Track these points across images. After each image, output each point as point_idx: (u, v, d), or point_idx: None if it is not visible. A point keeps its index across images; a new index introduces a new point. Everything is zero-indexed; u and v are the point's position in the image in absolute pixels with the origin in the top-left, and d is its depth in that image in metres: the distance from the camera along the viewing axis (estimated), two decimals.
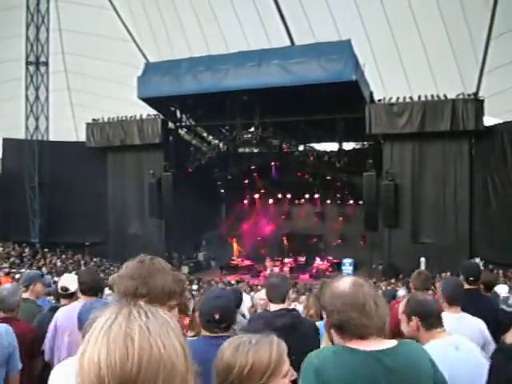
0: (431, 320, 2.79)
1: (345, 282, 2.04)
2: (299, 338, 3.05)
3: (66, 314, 3.78)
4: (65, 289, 4.44)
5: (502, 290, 5.98)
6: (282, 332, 3.10)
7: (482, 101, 21.13)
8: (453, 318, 3.55)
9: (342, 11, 23.50)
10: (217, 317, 2.71)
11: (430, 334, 2.78)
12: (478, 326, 3.55)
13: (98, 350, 0.90)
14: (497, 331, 3.67)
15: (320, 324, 4.70)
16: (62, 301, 4.51)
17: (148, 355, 0.89)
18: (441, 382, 1.99)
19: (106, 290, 5.64)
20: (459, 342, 2.74)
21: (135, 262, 2.04)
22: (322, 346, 2.99)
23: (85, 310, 2.92)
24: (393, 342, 1.96)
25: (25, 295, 4.65)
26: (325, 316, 2.09)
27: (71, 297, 4.32)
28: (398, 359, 1.90)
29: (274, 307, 3.53)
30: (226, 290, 2.91)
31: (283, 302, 3.52)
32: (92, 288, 3.91)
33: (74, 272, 17.48)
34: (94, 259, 24.88)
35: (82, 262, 24.06)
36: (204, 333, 2.82)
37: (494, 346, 3.49)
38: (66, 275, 5.06)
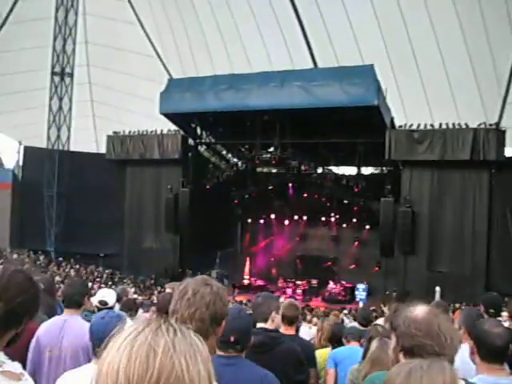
0: (488, 352, 2.69)
1: (421, 309, 2.05)
2: (273, 358, 3.09)
3: (46, 328, 3.68)
4: (104, 303, 4.43)
5: None
6: (255, 350, 3.09)
7: (504, 131, 21.00)
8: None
9: (366, 36, 23.63)
10: (232, 339, 2.67)
11: (483, 365, 2.71)
12: None
13: (120, 357, 0.88)
14: None
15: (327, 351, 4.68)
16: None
17: (168, 373, 0.86)
18: None
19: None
20: None
21: (194, 281, 2.05)
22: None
23: (98, 321, 2.90)
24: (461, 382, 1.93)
25: None
26: (394, 339, 2.09)
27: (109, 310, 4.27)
28: None
29: (257, 326, 3.50)
30: (242, 312, 2.89)
31: (265, 321, 3.50)
32: (76, 301, 3.87)
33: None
34: (107, 270, 24.92)
35: (96, 273, 24.11)
36: (218, 352, 2.72)
37: None
38: (104, 289, 5.07)
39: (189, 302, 1.97)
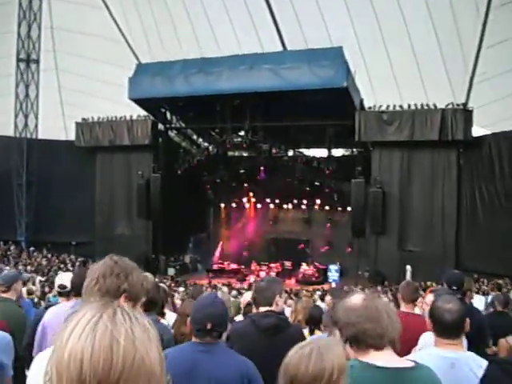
0: (441, 328, 2.77)
1: (357, 297, 2.11)
2: (284, 340, 3.03)
3: (54, 314, 3.73)
4: (62, 286, 4.41)
5: (479, 302, 6.02)
6: (267, 332, 3.11)
7: (471, 111, 21.28)
8: None
9: (335, 18, 23.59)
10: (209, 326, 2.68)
11: (439, 341, 2.78)
12: None
13: (82, 347, 0.89)
14: (479, 339, 3.70)
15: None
16: (60, 299, 4.48)
17: (131, 360, 0.89)
18: None
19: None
20: (460, 359, 2.67)
21: (109, 261, 2.04)
22: None
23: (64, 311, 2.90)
24: (410, 362, 2.01)
25: (4, 295, 4.62)
26: (337, 333, 2.13)
27: (69, 295, 4.23)
28: (411, 381, 1.95)
29: (260, 310, 3.56)
30: (217, 298, 2.89)
31: (270, 305, 3.54)
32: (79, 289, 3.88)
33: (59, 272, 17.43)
34: (80, 259, 24.72)
35: (68, 262, 23.91)
36: (194, 339, 2.79)
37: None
38: (62, 273, 5.03)
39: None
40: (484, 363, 2.64)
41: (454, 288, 4.62)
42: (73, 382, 0.88)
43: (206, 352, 2.69)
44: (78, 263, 23.79)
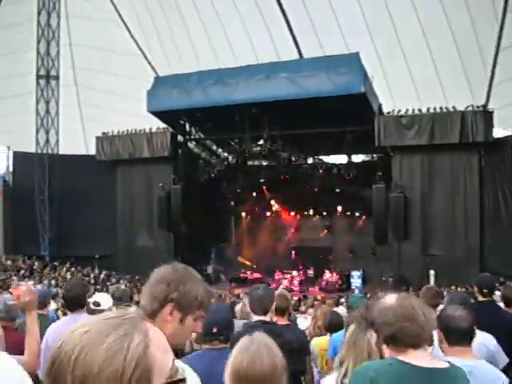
0: (453, 337, 2.78)
1: (391, 297, 2.15)
2: None
3: (56, 330, 3.74)
4: (97, 304, 4.42)
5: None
6: None
7: (492, 112, 21.08)
8: None
9: (351, 24, 23.64)
10: (214, 330, 2.83)
11: (452, 350, 2.77)
12: (481, 340, 3.49)
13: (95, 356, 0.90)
14: (511, 344, 3.64)
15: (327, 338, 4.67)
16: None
17: (63, 355, 0.89)
18: None
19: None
20: (477, 366, 2.66)
21: (168, 268, 2.01)
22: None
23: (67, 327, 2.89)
24: (444, 364, 2.03)
25: (40, 312, 4.66)
26: (374, 334, 2.16)
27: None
28: (449, 381, 1.98)
29: (255, 318, 3.56)
30: (221, 304, 3.00)
31: (265, 314, 3.53)
32: (76, 302, 3.88)
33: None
34: (104, 272, 24.86)
35: (92, 275, 24.04)
36: (205, 346, 2.92)
37: (504, 358, 3.46)
38: (99, 294, 5.07)
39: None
40: (498, 372, 2.65)
41: (485, 291, 4.56)
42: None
43: (221, 357, 2.65)
44: (102, 276, 23.94)
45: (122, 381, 0.88)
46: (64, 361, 0.89)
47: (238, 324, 3.81)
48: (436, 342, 2.91)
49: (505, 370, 2.98)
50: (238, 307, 6.27)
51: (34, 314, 2.81)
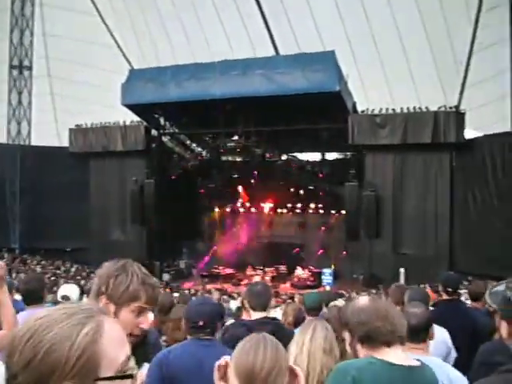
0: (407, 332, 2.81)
1: (363, 299, 2.24)
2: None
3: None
4: (66, 298, 4.40)
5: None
6: None
7: (464, 114, 21.37)
8: None
9: (327, 22, 23.71)
10: (201, 323, 2.87)
11: (407, 346, 2.81)
12: (441, 336, 3.58)
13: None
14: (474, 341, 3.73)
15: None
16: None
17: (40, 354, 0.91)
18: None
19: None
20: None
21: (109, 263, 2.03)
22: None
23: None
24: (416, 362, 2.08)
25: None
26: (347, 334, 2.19)
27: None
28: (422, 379, 2.04)
29: (255, 315, 3.57)
30: (209, 298, 3.01)
31: (265, 310, 3.57)
32: (33, 296, 3.86)
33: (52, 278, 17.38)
34: (75, 265, 24.66)
35: (63, 269, 23.84)
36: (189, 337, 2.98)
37: (455, 355, 3.56)
38: (66, 285, 5.02)
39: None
40: (451, 370, 2.70)
41: (450, 290, 4.65)
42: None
43: (208, 346, 2.85)
44: (73, 269, 23.76)
45: (65, 368, 0.91)
46: (15, 343, 0.93)
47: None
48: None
49: (464, 365, 3.02)
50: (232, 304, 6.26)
51: (5, 288, 2.81)
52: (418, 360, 2.10)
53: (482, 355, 2.84)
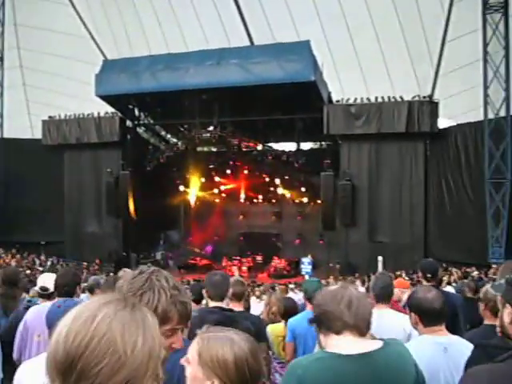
0: (428, 317, 2.85)
1: (335, 285, 2.20)
2: None
3: (37, 313, 3.72)
4: (44, 289, 4.37)
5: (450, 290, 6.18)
6: None
7: (437, 103, 21.63)
8: (376, 315, 3.68)
9: (301, 12, 23.67)
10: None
11: (426, 330, 2.86)
12: (400, 323, 3.67)
13: (67, 320, 0.96)
14: (454, 326, 3.81)
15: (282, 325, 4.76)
16: (40, 300, 4.44)
17: (100, 336, 0.91)
18: (422, 380, 2.08)
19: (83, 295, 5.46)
20: (451, 343, 2.79)
21: (131, 274, 1.78)
22: None
23: (54, 309, 2.89)
24: (378, 343, 2.02)
25: None
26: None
27: (50, 297, 4.22)
28: (382, 362, 1.95)
29: (211, 304, 3.60)
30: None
31: (222, 300, 3.59)
32: (68, 290, 3.85)
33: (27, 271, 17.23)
34: (50, 258, 24.44)
35: (38, 262, 23.61)
36: None
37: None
38: (45, 275, 4.97)
39: None
40: (471, 346, 2.75)
41: (429, 276, 4.74)
42: (52, 352, 0.94)
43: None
44: (48, 263, 23.54)
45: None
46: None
47: None
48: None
49: None
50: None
51: None
52: (381, 340, 2.06)
53: (479, 337, 2.90)
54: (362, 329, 2.03)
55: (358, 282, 15.89)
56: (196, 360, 1.61)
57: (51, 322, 2.72)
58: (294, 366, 2.02)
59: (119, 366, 0.91)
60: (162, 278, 1.75)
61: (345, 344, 1.98)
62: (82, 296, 5.10)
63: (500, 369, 1.54)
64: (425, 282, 4.75)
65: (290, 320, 4.58)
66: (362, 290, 8.94)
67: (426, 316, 2.84)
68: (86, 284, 6.28)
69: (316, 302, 2.15)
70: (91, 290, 5.43)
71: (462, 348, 2.73)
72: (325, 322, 2.05)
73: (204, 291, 3.81)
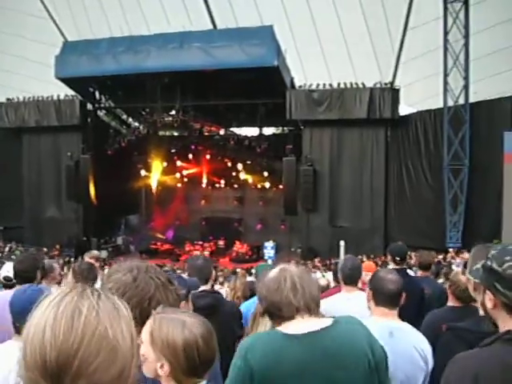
0: (381, 296, 2.86)
1: (274, 270, 2.12)
2: (220, 319, 3.12)
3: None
4: (8, 279, 4.30)
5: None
6: (203, 312, 3.21)
7: (398, 90, 21.89)
8: (345, 297, 3.76)
9: None
10: None
11: (377, 310, 2.88)
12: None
13: (46, 317, 0.90)
14: (421, 310, 3.90)
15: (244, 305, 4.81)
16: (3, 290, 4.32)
17: (92, 330, 0.90)
18: (379, 358, 2.01)
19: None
20: (399, 328, 2.80)
21: (128, 276, 1.70)
22: (250, 328, 3.07)
23: (19, 295, 2.81)
24: (328, 321, 2.01)
25: None
26: (258, 304, 2.17)
27: (12, 287, 4.12)
28: (328, 341, 1.94)
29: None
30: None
31: (206, 283, 3.61)
32: (28, 276, 3.79)
33: None
34: (9, 244, 24.03)
35: None
36: None
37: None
38: (8, 264, 4.88)
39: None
40: (420, 336, 2.80)
41: (398, 259, 4.83)
42: (36, 352, 0.89)
43: None
44: (7, 248, 23.16)
45: None
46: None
47: None
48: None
49: None
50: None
51: None
52: (331, 318, 2.05)
53: (445, 320, 2.95)
54: (311, 308, 2.03)
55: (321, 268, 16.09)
56: (148, 340, 1.61)
57: (18, 308, 2.65)
58: (241, 346, 2.02)
59: (113, 357, 0.91)
60: (159, 275, 1.75)
61: (294, 325, 1.98)
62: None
63: (487, 354, 1.53)
64: (393, 265, 4.84)
65: (245, 303, 4.63)
66: (329, 274, 9.03)
67: (378, 294, 2.87)
68: None
69: (260, 293, 2.11)
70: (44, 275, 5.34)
71: (408, 334, 2.79)
72: (275, 312, 2.04)
73: (186, 275, 3.82)
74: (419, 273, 5.56)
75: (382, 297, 2.87)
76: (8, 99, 25.84)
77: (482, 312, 1.94)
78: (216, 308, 3.46)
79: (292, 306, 1.99)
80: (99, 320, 0.91)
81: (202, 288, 3.59)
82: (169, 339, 1.60)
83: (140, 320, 1.56)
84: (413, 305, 3.82)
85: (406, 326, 2.86)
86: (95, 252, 6.29)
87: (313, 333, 1.95)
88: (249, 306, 4.50)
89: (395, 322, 2.85)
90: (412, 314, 3.48)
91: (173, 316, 1.66)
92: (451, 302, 3.47)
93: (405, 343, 2.71)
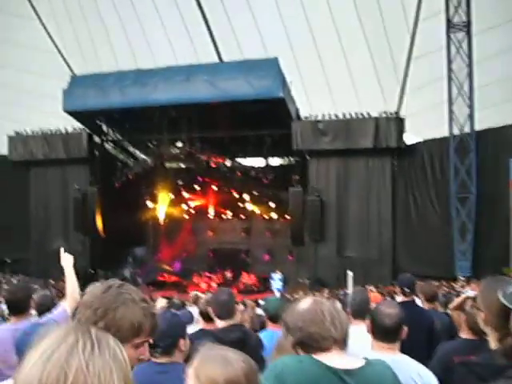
0: (377, 330, 2.87)
1: (305, 301, 2.16)
2: (248, 352, 3.08)
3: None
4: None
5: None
6: (234, 346, 3.16)
7: (403, 119, 21.96)
8: (354, 332, 3.70)
9: (270, 29, 23.87)
10: (151, 341, 2.64)
11: (376, 344, 2.88)
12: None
13: (33, 375, 0.87)
14: (430, 342, 3.85)
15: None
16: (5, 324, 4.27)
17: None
18: None
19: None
20: (393, 361, 2.63)
21: (99, 288, 1.74)
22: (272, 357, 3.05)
23: (23, 338, 2.75)
24: (361, 362, 2.03)
25: None
26: (287, 335, 2.16)
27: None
28: (364, 381, 1.96)
29: (222, 323, 3.59)
30: (163, 312, 2.87)
31: (231, 318, 3.59)
32: (21, 306, 3.76)
33: None
34: (16, 277, 23.96)
35: (4, 281, 23.14)
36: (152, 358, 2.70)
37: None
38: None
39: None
40: (420, 367, 2.76)
41: (407, 290, 4.78)
42: None
43: (163, 373, 2.62)
44: (14, 281, 23.07)
45: None
46: None
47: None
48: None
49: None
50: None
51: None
52: (365, 359, 2.07)
53: (458, 353, 2.91)
54: (345, 342, 2.07)
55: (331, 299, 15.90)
56: (192, 376, 1.65)
57: (21, 350, 2.55)
58: (276, 363, 2.05)
59: None
60: (132, 292, 1.77)
61: (329, 357, 1.99)
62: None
63: None
64: (402, 297, 4.79)
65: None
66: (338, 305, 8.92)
67: (376, 329, 2.86)
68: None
69: (294, 325, 2.10)
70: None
71: (406, 366, 2.75)
72: (312, 344, 2.03)
73: (210, 310, 3.80)
74: (426, 305, 5.51)
75: (378, 332, 2.86)
76: (16, 132, 26.08)
77: (493, 346, 1.92)
78: (244, 341, 3.44)
79: (331, 339, 2.02)
80: (89, 372, 0.88)
81: (229, 322, 3.60)
82: (210, 376, 1.61)
83: (107, 331, 1.46)
84: (422, 336, 3.78)
85: (404, 358, 2.84)
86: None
87: (350, 371, 1.96)
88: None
89: (392, 355, 2.80)
90: (421, 346, 3.44)
91: (215, 352, 1.70)
92: (464, 334, 3.42)
93: (402, 375, 2.67)
